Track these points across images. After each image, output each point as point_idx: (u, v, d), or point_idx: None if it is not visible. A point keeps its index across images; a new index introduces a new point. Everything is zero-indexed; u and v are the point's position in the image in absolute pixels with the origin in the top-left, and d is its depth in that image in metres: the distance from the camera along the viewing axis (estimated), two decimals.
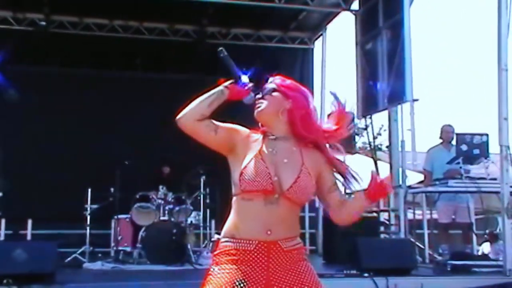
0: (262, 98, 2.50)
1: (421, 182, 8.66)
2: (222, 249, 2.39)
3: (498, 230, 8.04)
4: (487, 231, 11.13)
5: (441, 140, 8.32)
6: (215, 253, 2.42)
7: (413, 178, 9.71)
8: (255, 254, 2.34)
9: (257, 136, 2.50)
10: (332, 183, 2.48)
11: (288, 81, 2.57)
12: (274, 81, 2.54)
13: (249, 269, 2.33)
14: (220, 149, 2.49)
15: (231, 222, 2.42)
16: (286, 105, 2.47)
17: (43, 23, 10.38)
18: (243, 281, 2.30)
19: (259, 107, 2.50)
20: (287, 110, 2.47)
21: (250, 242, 2.34)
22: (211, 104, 2.46)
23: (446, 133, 8.25)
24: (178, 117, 2.47)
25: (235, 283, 2.30)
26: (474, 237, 8.35)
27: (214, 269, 2.38)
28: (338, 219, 2.49)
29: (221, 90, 2.48)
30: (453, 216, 8.08)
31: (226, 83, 2.50)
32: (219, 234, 2.48)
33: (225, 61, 2.52)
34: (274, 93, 2.50)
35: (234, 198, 2.44)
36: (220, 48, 2.51)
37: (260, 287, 2.32)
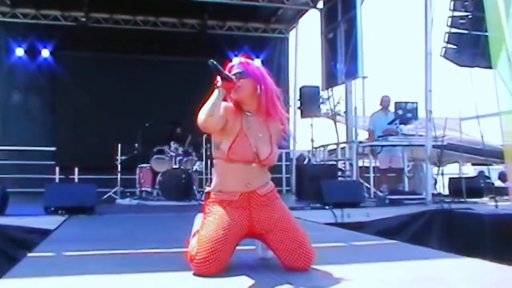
0: (238, 80, 2.35)
1: (367, 139, 8.74)
2: (213, 199, 2.42)
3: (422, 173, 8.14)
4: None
5: (380, 107, 8.39)
6: (208, 200, 2.45)
7: (364, 136, 9.77)
8: (240, 202, 2.38)
9: (233, 109, 2.40)
10: None
11: (256, 65, 2.45)
12: (244, 65, 2.40)
13: (235, 213, 2.36)
14: (221, 129, 2.35)
15: (218, 179, 2.42)
16: (259, 87, 2.38)
17: (83, 19, 10.36)
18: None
19: (238, 88, 2.36)
20: (262, 92, 2.39)
21: (234, 193, 2.38)
22: (217, 105, 2.30)
23: (384, 101, 8.34)
24: (200, 122, 2.29)
25: (224, 223, 2.30)
26: (406, 179, 8.49)
27: (209, 209, 2.39)
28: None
29: (220, 91, 2.30)
30: (390, 163, 8.20)
31: (219, 84, 2.30)
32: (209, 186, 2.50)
33: (216, 68, 2.28)
34: (247, 77, 2.38)
35: (216, 160, 2.42)
36: (211, 61, 2.26)
37: (245, 225, 2.36)
